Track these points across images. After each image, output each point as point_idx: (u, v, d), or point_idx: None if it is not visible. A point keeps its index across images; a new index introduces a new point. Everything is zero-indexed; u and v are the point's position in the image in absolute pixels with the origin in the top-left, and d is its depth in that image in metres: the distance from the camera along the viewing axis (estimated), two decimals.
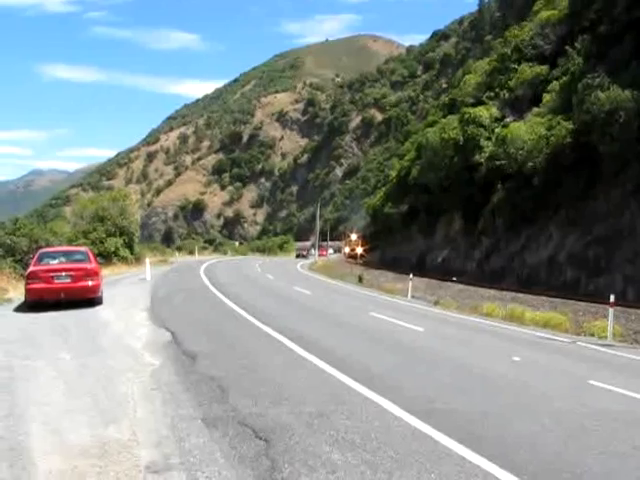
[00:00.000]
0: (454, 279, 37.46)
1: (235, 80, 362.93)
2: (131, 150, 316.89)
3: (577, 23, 39.89)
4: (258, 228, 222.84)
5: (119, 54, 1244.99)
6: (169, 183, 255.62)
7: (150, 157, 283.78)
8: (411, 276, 32.16)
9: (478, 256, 41.44)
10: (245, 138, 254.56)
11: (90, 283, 18.12)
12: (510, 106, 44.02)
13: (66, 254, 20.28)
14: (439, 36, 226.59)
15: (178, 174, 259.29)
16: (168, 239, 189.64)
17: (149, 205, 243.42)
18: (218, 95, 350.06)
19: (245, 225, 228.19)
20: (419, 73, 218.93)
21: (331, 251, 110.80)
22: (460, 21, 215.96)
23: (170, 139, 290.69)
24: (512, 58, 47.39)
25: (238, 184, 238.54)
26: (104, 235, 44.00)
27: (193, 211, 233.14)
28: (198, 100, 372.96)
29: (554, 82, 39.03)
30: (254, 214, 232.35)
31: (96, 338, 12.76)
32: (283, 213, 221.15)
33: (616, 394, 9.25)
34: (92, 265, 18.96)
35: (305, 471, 5.33)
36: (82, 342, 12.25)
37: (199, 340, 12.52)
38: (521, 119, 40.51)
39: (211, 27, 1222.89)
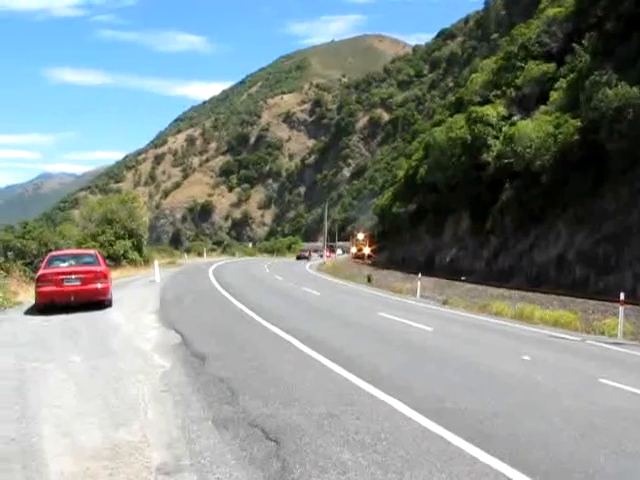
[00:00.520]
0: (463, 278, 37.41)
1: (242, 82, 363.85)
2: (139, 153, 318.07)
3: (584, 20, 39.82)
4: (266, 229, 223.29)
5: (126, 57, 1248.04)
6: (177, 185, 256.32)
7: (158, 159, 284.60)
8: (419, 276, 32.13)
9: (486, 255, 41.38)
10: (252, 139, 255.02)
11: (99, 286, 18.17)
12: (517, 104, 43.96)
13: (75, 257, 20.35)
14: (445, 35, 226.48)
15: (186, 176, 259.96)
16: (176, 241, 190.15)
17: (157, 207, 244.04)
18: (225, 97, 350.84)
19: (253, 226, 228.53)
20: (425, 72, 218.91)
21: (340, 252, 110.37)
22: (466, 20, 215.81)
23: (177, 141, 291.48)
24: (519, 56, 47.31)
25: (246, 185, 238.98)
26: (113, 238, 44.14)
27: (201, 213, 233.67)
28: (205, 102, 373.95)
29: (561, 80, 38.95)
30: (262, 215, 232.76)
31: (106, 340, 12.80)
32: (291, 214, 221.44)
33: (627, 392, 9.21)
34: (101, 268, 19.01)
35: (316, 472, 5.34)
36: (92, 344, 12.29)
37: (208, 342, 12.54)
38: (528, 117, 40.43)
39: (217, 29, 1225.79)
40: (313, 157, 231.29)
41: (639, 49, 31.00)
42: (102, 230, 44.74)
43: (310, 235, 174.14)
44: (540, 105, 40.57)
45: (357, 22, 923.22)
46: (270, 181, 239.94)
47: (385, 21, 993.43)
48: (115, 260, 41.30)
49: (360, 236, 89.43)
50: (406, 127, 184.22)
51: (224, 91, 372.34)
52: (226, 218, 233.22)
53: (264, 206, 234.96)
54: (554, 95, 38.68)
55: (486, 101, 47.16)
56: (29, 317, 16.94)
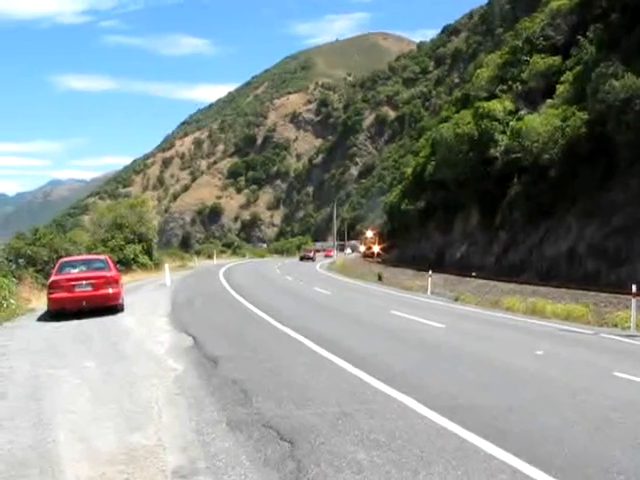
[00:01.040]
0: (474, 274, 37.31)
1: (247, 83, 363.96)
2: (147, 157, 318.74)
3: (588, 12, 39.64)
4: (275, 230, 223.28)
5: (131, 62, 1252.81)
6: (185, 188, 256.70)
7: (166, 163, 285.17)
8: (430, 273, 32.08)
9: (497, 250, 41.25)
10: (259, 140, 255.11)
11: (111, 291, 18.24)
12: (524, 98, 43.79)
13: (86, 263, 20.44)
14: (450, 31, 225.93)
15: (194, 179, 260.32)
16: (186, 244, 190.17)
17: (166, 211, 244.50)
18: (231, 99, 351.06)
19: (262, 227, 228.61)
20: (431, 69, 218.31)
21: (349, 250, 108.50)
22: (470, 15, 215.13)
23: (185, 144, 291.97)
24: (524, 50, 47.13)
25: (254, 187, 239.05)
26: (123, 242, 44.30)
27: (210, 215, 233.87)
28: (211, 104, 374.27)
29: (567, 73, 38.77)
30: (271, 216, 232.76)
31: (119, 345, 12.85)
32: (300, 214, 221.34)
33: None
34: (112, 273, 19.08)
35: (331, 472, 5.34)
36: (105, 349, 12.34)
37: (220, 344, 12.57)
38: (535, 111, 40.28)
39: (221, 31, 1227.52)
40: (320, 157, 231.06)
41: None
42: (112, 235, 44.91)
43: (320, 235, 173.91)
44: (546, 99, 40.40)
45: (361, 20, 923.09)
46: (278, 182, 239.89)
47: (389, 18, 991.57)
48: (126, 265, 41.45)
49: (369, 234, 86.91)
50: (413, 124, 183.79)
51: (230, 93, 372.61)
52: (235, 220, 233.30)
53: (273, 207, 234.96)
54: (560, 88, 38.51)
55: (492, 96, 46.99)
56: (42, 323, 17.02)
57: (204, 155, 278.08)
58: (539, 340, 14.09)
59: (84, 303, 17.63)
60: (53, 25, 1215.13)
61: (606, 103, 29.27)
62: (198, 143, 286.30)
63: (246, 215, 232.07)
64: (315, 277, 45.39)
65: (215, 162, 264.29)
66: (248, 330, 15.00)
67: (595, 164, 31.07)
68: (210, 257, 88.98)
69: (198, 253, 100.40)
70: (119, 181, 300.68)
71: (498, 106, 43.30)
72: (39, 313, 19.12)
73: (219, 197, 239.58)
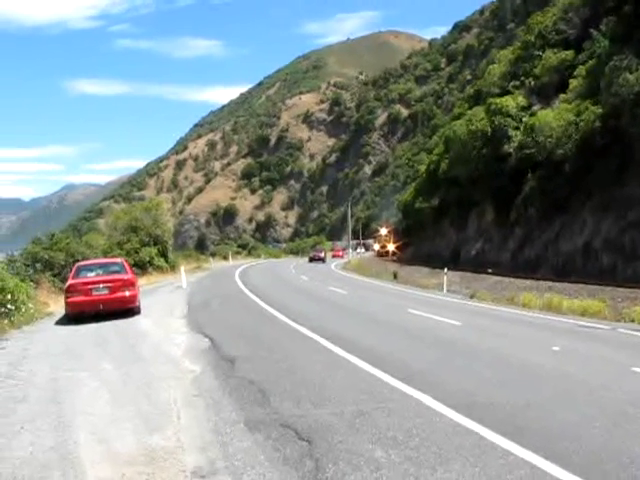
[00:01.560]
0: (489, 271, 37.20)
1: (259, 84, 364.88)
2: (160, 159, 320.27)
3: (601, 5, 39.40)
4: (290, 230, 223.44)
5: (143, 65, 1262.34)
6: (199, 190, 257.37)
7: (179, 165, 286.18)
8: (445, 270, 32.02)
9: (512, 247, 41.11)
10: (272, 141, 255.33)
11: (127, 293, 18.35)
12: (537, 94, 43.62)
13: (103, 266, 20.53)
14: (461, 27, 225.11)
15: (208, 181, 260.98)
16: (201, 246, 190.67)
17: (181, 213, 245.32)
18: (243, 100, 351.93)
19: (277, 228, 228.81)
20: (443, 66, 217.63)
21: (361, 249, 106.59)
22: (481, 11, 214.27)
23: (198, 146, 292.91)
24: (536, 45, 46.92)
25: (268, 187, 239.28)
26: (138, 245, 44.43)
27: (225, 216, 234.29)
28: (224, 106, 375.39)
29: (580, 67, 38.59)
30: (285, 216, 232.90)
31: (136, 347, 12.93)
32: (314, 214, 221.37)
33: None
34: (128, 276, 19.18)
35: (349, 470, 5.37)
36: (123, 352, 12.42)
37: (237, 344, 12.61)
38: (548, 106, 40.13)
39: (232, 32, 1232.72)
40: (334, 156, 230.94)
41: None
42: (127, 238, 45.06)
43: (334, 234, 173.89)
44: (560, 93, 40.23)
45: (372, 19, 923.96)
46: (292, 182, 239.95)
47: (400, 16, 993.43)
48: (141, 267, 41.60)
49: (383, 231, 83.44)
50: (426, 122, 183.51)
51: (242, 94, 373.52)
52: (250, 221, 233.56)
53: (287, 207, 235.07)
54: (573, 83, 38.33)
55: (505, 92, 46.84)
56: (60, 327, 17.15)
57: (217, 157, 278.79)
58: (556, 336, 14.04)
59: (101, 306, 17.75)
60: (65, 30, 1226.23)
61: (620, 96, 29.11)
62: (211, 145, 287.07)
63: (260, 216, 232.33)
64: (330, 276, 45.39)
65: (229, 163, 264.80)
66: (264, 330, 15.03)
67: (610, 158, 30.90)
68: (225, 258, 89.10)
69: (213, 254, 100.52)
70: (133, 184, 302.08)
71: (511, 102, 43.15)
72: (57, 317, 19.26)
73: (233, 198, 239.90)
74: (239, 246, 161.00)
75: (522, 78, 46.46)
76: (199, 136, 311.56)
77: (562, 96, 39.36)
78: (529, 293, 24.10)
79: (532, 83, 44.73)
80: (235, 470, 5.52)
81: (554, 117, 36.06)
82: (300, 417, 7.05)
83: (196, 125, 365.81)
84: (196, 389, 8.79)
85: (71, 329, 16.36)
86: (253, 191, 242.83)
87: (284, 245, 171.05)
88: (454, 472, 5.25)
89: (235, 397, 8.20)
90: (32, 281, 24.58)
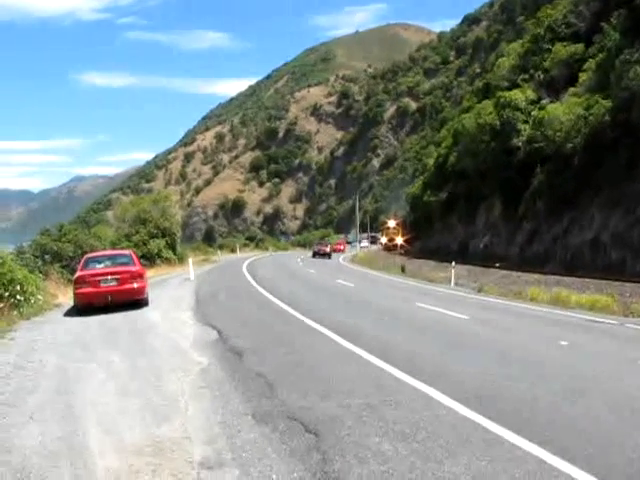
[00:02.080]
0: (497, 265, 37.15)
1: (268, 76, 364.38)
2: (169, 152, 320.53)
3: None
4: (298, 223, 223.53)
5: (151, 57, 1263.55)
6: (208, 182, 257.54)
7: (188, 158, 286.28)
8: (453, 264, 31.98)
9: (520, 241, 41.03)
10: (281, 134, 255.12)
11: (136, 285, 18.39)
12: (546, 87, 43.45)
13: (111, 258, 20.58)
14: (470, 20, 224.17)
15: (216, 173, 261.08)
16: (209, 238, 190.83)
17: (189, 205, 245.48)
18: (252, 92, 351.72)
19: (285, 220, 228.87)
20: (452, 59, 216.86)
21: (365, 243, 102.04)
22: (491, 4, 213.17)
23: (206, 139, 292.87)
24: (546, 38, 46.70)
25: (276, 180, 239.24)
26: (147, 237, 44.54)
27: (233, 209, 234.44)
28: (232, 99, 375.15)
29: (590, 60, 38.39)
30: (293, 209, 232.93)
31: (144, 339, 12.97)
32: (322, 207, 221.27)
33: None
34: (137, 267, 19.23)
35: (356, 463, 5.38)
36: (131, 343, 12.46)
37: (245, 337, 12.63)
38: (558, 100, 39.97)
39: (241, 25, 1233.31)
40: (342, 149, 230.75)
41: None
42: (136, 230, 45.19)
43: (342, 227, 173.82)
44: (569, 87, 40.06)
45: (380, 11, 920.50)
46: (300, 174, 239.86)
47: (409, 9, 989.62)
48: (150, 259, 41.71)
49: (391, 223, 79.45)
50: (434, 115, 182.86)
51: (251, 87, 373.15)
52: (258, 213, 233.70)
53: (295, 200, 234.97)
54: (583, 76, 38.16)
55: (514, 85, 46.68)
56: (69, 318, 17.21)
57: (226, 149, 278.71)
58: (564, 330, 14.01)
59: (109, 298, 17.79)
60: (73, 22, 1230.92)
61: (630, 90, 28.97)
62: (220, 137, 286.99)
63: (268, 208, 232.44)
64: (338, 269, 45.41)
65: (237, 156, 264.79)
66: (272, 323, 15.06)
67: (619, 152, 30.76)
68: (233, 251, 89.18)
69: (221, 247, 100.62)
70: (142, 176, 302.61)
71: (520, 95, 43.00)
72: (66, 308, 19.33)
73: (241, 191, 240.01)
74: (247, 238, 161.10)
75: (531, 71, 46.28)
76: (207, 129, 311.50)
77: (571, 90, 39.19)
78: (537, 287, 24.04)
79: (541, 76, 44.54)
80: (242, 462, 5.54)
81: (563, 111, 35.92)
82: (307, 409, 7.06)
83: (204, 118, 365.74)
84: (203, 381, 8.82)
85: (80, 320, 16.42)
86: (261, 184, 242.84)
87: (292, 237, 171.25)
88: (461, 466, 5.25)
89: (242, 389, 8.23)
90: (41, 272, 24.69)
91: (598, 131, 32.35)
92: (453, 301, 21.75)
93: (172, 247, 47.60)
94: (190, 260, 37.99)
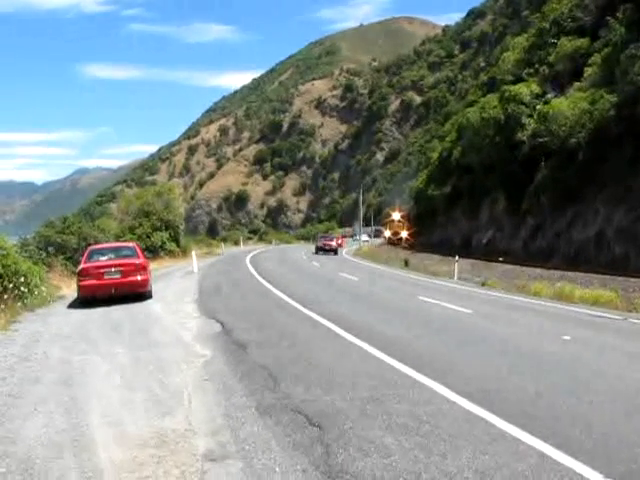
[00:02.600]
0: (500, 260, 37.11)
1: (272, 69, 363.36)
2: (172, 144, 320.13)
3: None
4: (301, 216, 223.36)
5: (156, 50, 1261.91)
6: (211, 175, 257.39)
7: (191, 150, 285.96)
8: (457, 258, 31.96)
9: (524, 235, 40.97)
10: (285, 127, 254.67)
11: (139, 278, 18.42)
12: (551, 82, 43.32)
13: (115, 250, 20.62)
14: (475, 14, 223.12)
15: (220, 166, 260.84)
16: (213, 231, 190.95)
17: (192, 198, 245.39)
18: (256, 85, 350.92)
19: (288, 213, 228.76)
20: (456, 53, 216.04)
21: (365, 237, 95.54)
22: None
23: (210, 132, 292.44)
24: (551, 32, 46.57)
25: (280, 173, 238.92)
26: (150, 230, 44.54)
27: (236, 202, 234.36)
28: (236, 91, 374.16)
29: (595, 55, 38.25)
30: (297, 202, 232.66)
31: (148, 331, 13.00)
32: (326, 200, 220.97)
33: None
34: (140, 260, 19.26)
35: (359, 456, 5.39)
36: (134, 336, 12.49)
37: (248, 330, 12.65)
38: (563, 94, 39.85)
39: (245, 18, 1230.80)
40: (346, 142, 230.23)
41: None
42: (139, 222, 45.19)
43: (346, 220, 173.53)
44: (574, 82, 39.93)
45: (385, 5, 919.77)
46: (304, 168, 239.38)
47: (413, 2, 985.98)
48: (153, 252, 41.72)
49: (396, 216, 74.51)
50: (438, 109, 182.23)
51: (255, 79, 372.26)
52: (261, 206, 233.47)
53: (299, 193, 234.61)
54: (588, 71, 38.03)
55: (519, 80, 46.55)
56: (72, 310, 17.25)
57: (229, 142, 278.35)
58: (567, 325, 14.03)
59: (113, 290, 17.84)
60: (78, 14, 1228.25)
61: (636, 85, 28.88)
62: (223, 130, 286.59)
63: (272, 201, 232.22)
64: (342, 263, 45.43)
65: (241, 149, 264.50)
66: (275, 316, 15.07)
67: (624, 147, 30.67)
68: (237, 243, 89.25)
69: (225, 240, 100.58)
70: (145, 169, 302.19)
71: (525, 90, 42.87)
72: (69, 300, 19.37)
73: (245, 184, 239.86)
74: (250, 231, 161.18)
75: (536, 66, 46.16)
76: (211, 121, 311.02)
77: (576, 84, 39.07)
78: (540, 282, 24.05)
79: (546, 71, 44.41)
80: (246, 455, 5.55)
81: (568, 105, 35.82)
82: (311, 403, 7.08)
83: (208, 110, 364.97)
84: (207, 373, 8.84)
85: (83, 312, 16.46)
86: (265, 177, 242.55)
87: (296, 231, 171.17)
88: (464, 459, 5.27)
89: (246, 382, 8.24)
90: (45, 264, 24.70)
91: (603, 126, 32.25)
92: (456, 295, 21.76)
93: (175, 240, 47.61)
94: (194, 253, 38.03)
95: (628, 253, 28.85)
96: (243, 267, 36.06)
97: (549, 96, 41.47)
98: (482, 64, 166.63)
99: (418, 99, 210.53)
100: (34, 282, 18.23)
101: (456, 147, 56.18)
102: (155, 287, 20.56)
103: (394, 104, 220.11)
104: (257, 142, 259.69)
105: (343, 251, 69.85)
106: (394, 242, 71.65)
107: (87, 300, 17.76)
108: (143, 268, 18.86)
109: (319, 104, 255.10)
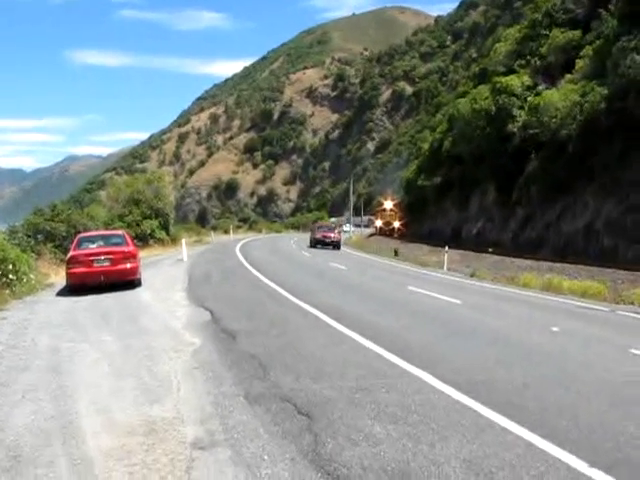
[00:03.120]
0: (490, 250, 37.23)
1: (263, 58, 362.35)
2: (163, 132, 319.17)
3: None
4: (292, 205, 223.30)
5: (147, 37, 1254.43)
6: (202, 164, 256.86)
7: (182, 138, 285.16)
8: (446, 248, 32.03)
9: (513, 227, 41.14)
10: (276, 116, 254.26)
11: (129, 265, 18.37)
12: (542, 73, 43.40)
13: (104, 238, 20.54)
14: (467, 4, 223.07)
15: (210, 154, 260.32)
16: (203, 219, 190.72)
17: (183, 186, 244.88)
18: (247, 74, 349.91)
19: (279, 202, 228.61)
20: (448, 43, 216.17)
21: (348, 227, 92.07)
22: None
23: (201, 120, 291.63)
24: (543, 24, 46.63)
25: (270, 162, 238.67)
26: (140, 218, 44.38)
27: (226, 190, 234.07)
28: (227, 79, 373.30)
29: (587, 47, 38.35)
30: (287, 191, 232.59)
31: (137, 319, 12.97)
32: (316, 189, 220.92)
33: None
34: (130, 248, 19.20)
35: (348, 445, 5.41)
36: (124, 324, 12.45)
37: (238, 318, 12.63)
38: (554, 86, 39.93)
39: (237, 5, 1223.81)
40: (337, 132, 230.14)
41: None
42: (129, 210, 45.02)
43: (336, 210, 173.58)
44: (566, 74, 40.02)
45: None
46: (294, 157, 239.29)
47: None
48: (143, 240, 41.58)
49: (388, 205, 71.53)
50: (430, 99, 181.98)
51: (246, 68, 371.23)
52: (251, 195, 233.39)
53: (289, 182, 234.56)
54: (580, 63, 38.12)
55: (510, 71, 46.62)
56: (61, 298, 17.18)
57: (220, 130, 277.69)
58: (555, 317, 14.09)
59: (102, 278, 17.77)
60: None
61: (627, 78, 28.95)
62: (214, 118, 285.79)
63: (262, 190, 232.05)
64: (331, 252, 45.40)
65: (231, 137, 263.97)
66: (265, 305, 15.05)
67: (614, 140, 30.77)
68: (227, 232, 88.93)
69: (214, 228, 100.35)
70: (135, 156, 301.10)
71: (516, 81, 42.96)
72: (58, 288, 19.28)
73: (235, 172, 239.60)
74: (240, 220, 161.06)
75: (528, 57, 46.23)
76: (202, 109, 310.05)
77: (568, 76, 39.17)
78: (529, 273, 24.16)
79: (538, 63, 44.50)
80: (235, 443, 5.56)
81: (559, 97, 35.92)
82: (300, 391, 7.09)
83: (199, 98, 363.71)
84: (196, 362, 8.83)
85: (72, 300, 16.39)
86: (255, 165, 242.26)
87: (286, 220, 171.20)
88: (452, 448, 5.29)
89: (235, 370, 8.24)
90: (33, 252, 24.60)
91: (593, 118, 32.35)
92: (446, 285, 21.81)
93: (165, 228, 47.47)
94: (183, 241, 37.90)
95: (617, 245, 29.03)
96: (233, 256, 36.00)
97: (540, 88, 41.56)
98: (474, 55, 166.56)
99: (409, 89, 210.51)
100: (22, 270, 18.16)
101: (447, 138, 56.25)
102: (144, 275, 20.51)
103: (385, 94, 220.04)
104: (248, 131, 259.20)
105: None
106: (386, 232, 70.84)
107: (76, 288, 17.67)
108: (132, 256, 18.80)
109: (310, 93, 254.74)
